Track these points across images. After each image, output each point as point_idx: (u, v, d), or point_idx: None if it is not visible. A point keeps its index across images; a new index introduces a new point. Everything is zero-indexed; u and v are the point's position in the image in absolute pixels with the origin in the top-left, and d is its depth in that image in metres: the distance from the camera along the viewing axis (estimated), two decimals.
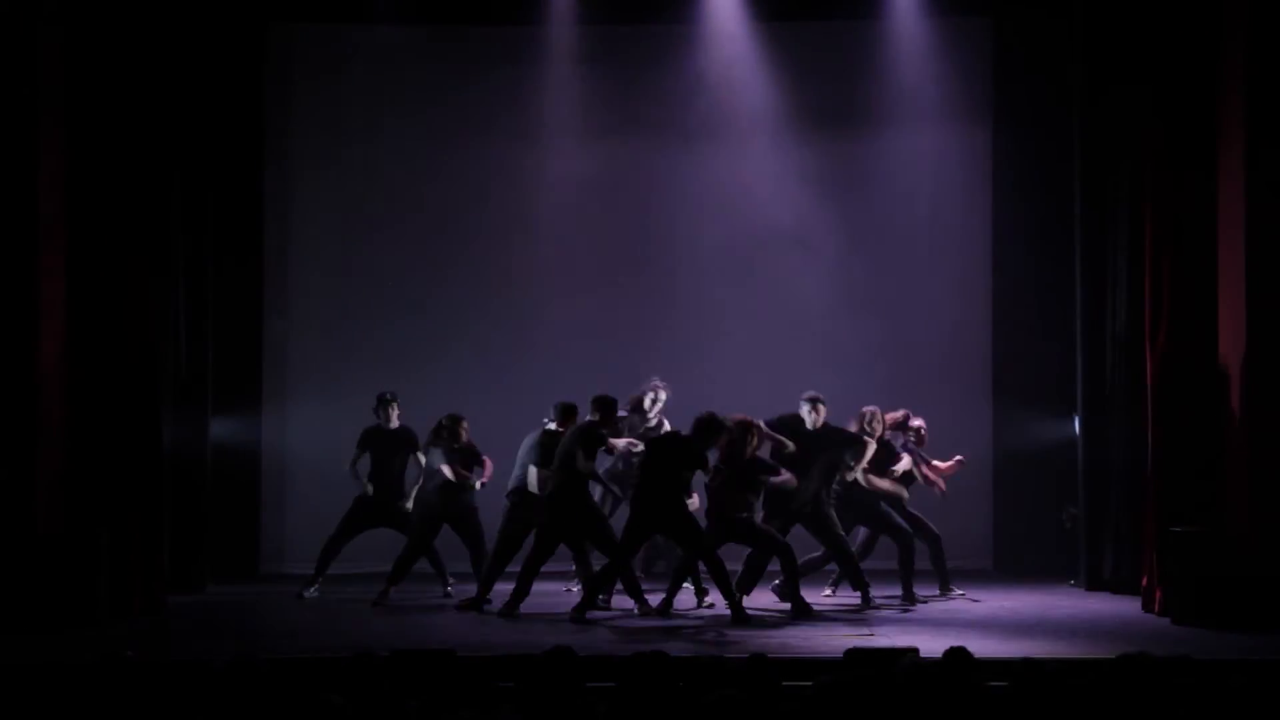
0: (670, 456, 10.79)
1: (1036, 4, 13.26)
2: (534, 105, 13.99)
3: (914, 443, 11.81)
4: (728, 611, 10.73)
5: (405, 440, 12.07)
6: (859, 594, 11.36)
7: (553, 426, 11.36)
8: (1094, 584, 12.25)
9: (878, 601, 11.34)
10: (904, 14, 13.71)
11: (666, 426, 11.83)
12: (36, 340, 10.63)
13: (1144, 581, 11.25)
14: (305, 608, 11.54)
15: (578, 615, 10.62)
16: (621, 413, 11.62)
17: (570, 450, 10.90)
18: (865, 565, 11.63)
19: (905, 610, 11.17)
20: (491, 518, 11.63)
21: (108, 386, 11.08)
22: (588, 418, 11.13)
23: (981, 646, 7.99)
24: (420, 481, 11.92)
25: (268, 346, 13.90)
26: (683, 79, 14.00)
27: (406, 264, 14.12)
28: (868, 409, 11.57)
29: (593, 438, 10.92)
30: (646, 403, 12.01)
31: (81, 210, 11.08)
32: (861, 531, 11.88)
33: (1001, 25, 13.85)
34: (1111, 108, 12.07)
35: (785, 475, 10.99)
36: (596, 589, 10.89)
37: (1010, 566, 13.47)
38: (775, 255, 14.07)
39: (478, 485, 11.77)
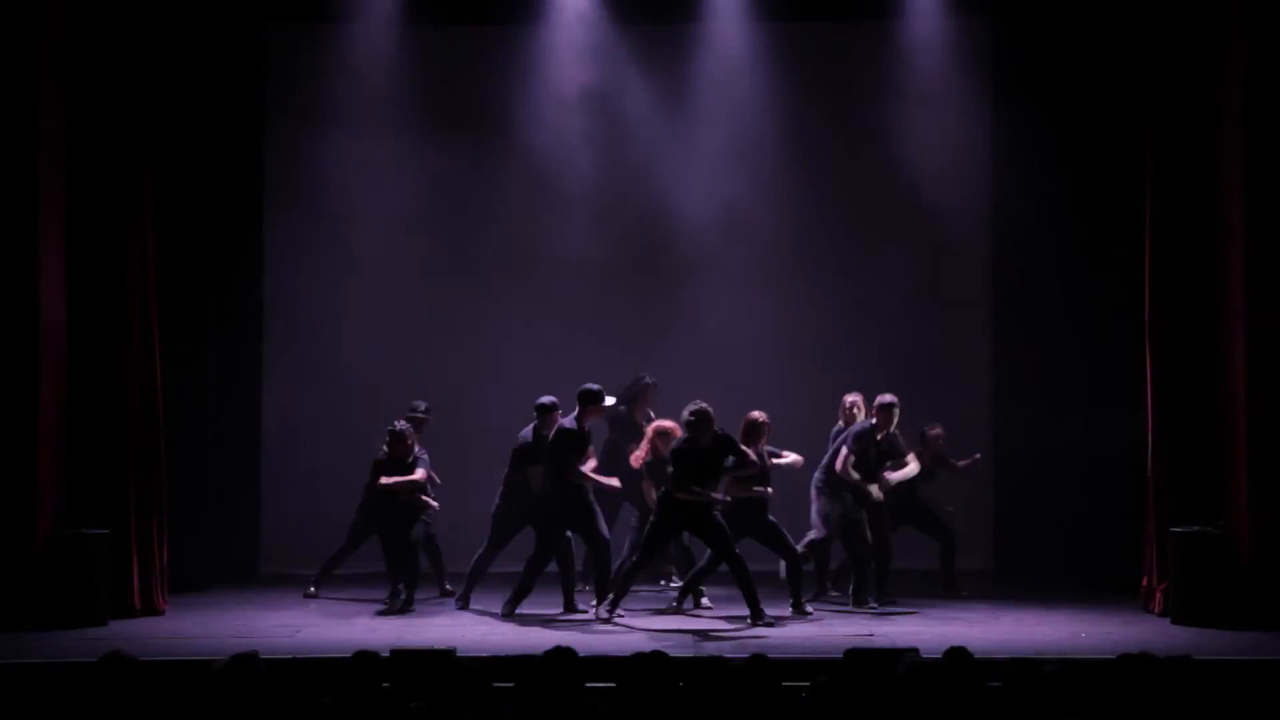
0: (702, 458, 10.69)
1: (1038, 4, 13.24)
2: (534, 105, 13.98)
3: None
4: (729, 612, 10.77)
5: None
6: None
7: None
8: (1094, 584, 12.24)
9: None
10: (905, 15, 13.68)
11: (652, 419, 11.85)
12: (36, 340, 10.64)
13: (1144, 581, 11.25)
14: (305, 608, 11.52)
15: (608, 615, 10.58)
16: (610, 400, 11.54)
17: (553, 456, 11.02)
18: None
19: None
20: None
21: (108, 387, 11.09)
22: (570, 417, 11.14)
23: (981, 646, 7.99)
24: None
25: (268, 347, 13.89)
26: (683, 79, 14.00)
27: (407, 263, 14.11)
28: (848, 398, 11.70)
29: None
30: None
31: (81, 211, 11.09)
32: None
33: (1002, 26, 13.83)
34: (1112, 108, 12.08)
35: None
36: (622, 590, 10.86)
37: (1010, 566, 13.46)
38: (776, 255, 14.06)
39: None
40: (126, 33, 11.24)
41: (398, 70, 13.91)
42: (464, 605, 11.33)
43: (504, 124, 14.03)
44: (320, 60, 13.91)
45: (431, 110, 14.06)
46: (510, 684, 6.22)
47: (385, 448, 11.47)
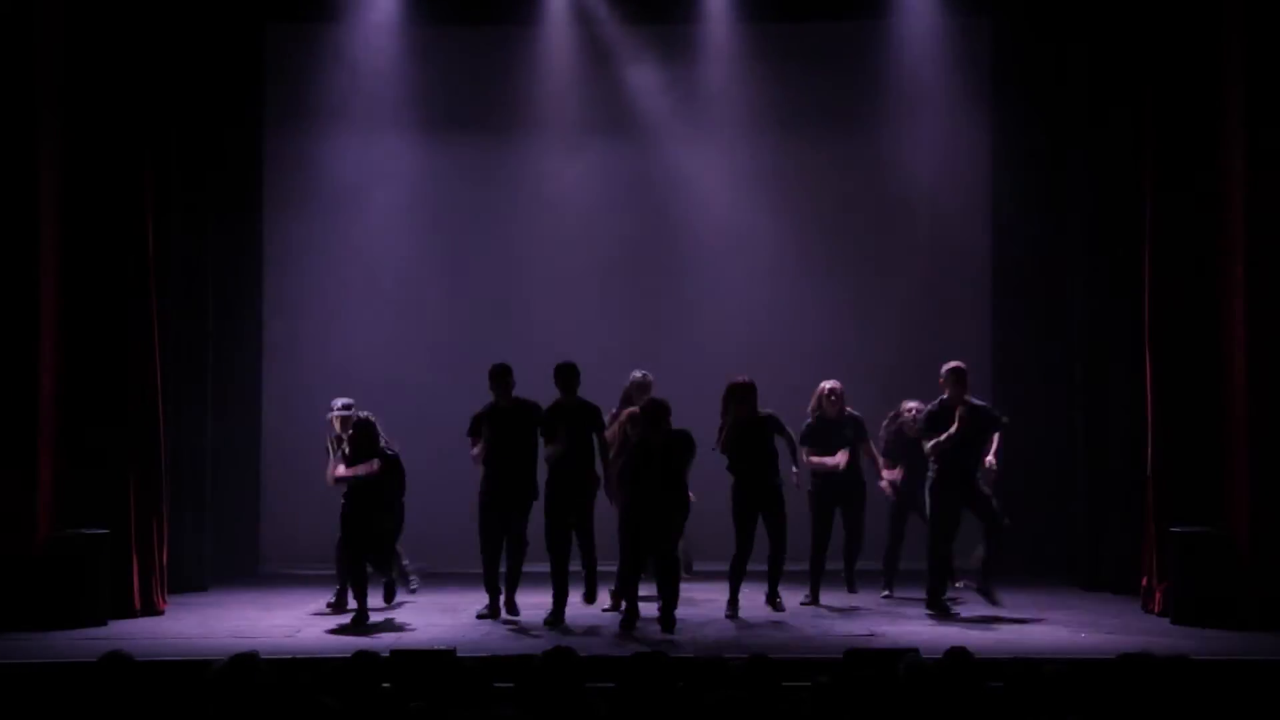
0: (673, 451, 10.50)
1: (1037, 4, 13.25)
2: (533, 104, 13.99)
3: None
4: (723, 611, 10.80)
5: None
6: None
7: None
8: (1094, 584, 12.24)
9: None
10: (903, 14, 13.70)
11: None
12: (36, 340, 10.64)
13: (1144, 581, 11.25)
14: (306, 608, 11.49)
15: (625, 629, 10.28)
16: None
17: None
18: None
19: None
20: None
21: (108, 386, 11.09)
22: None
23: (981, 646, 7.99)
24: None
25: (268, 346, 13.89)
26: (682, 79, 14.02)
27: (406, 262, 14.12)
28: (825, 385, 11.65)
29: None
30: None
31: (80, 210, 11.09)
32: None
33: (1001, 25, 13.84)
34: (1112, 107, 12.08)
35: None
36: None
37: (1011, 566, 13.43)
38: (774, 254, 14.07)
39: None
40: (126, 32, 11.25)
41: (398, 70, 13.94)
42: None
43: (503, 124, 14.05)
44: (320, 60, 13.93)
45: (431, 110, 14.07)
46: (510, 684, 6.22)
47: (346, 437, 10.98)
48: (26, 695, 6.74)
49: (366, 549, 10.69)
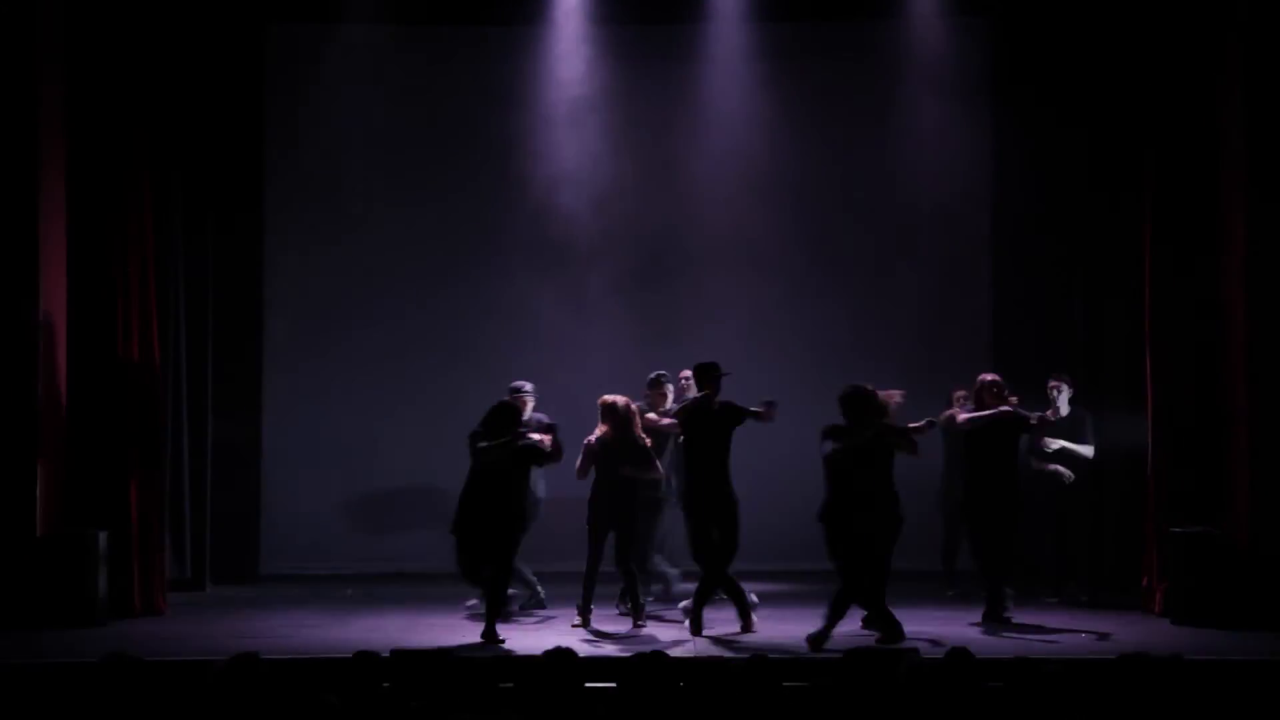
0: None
1: (1037, 3, 13.26)
2: (534, 105, 13.98)
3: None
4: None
5: None
6: None
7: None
8: (1094, 584, 12.23)
9: None
10: (904, 14, 13.71)
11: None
12: (37, 341, 10.64)
13: (1144, 581, 11.26)
14: (306, 608, 11.49)
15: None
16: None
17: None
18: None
19: None
20: None
21: (108, 387, 11.10)
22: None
23: (982, 647, 7.99)
24: None
25: (268, 346, 13.90)
26: (682, 79, 14.03)
27: (407, 264, 14.12)
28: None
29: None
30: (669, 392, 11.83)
31: (82, 211, 11.11)
32: None
33: (1002, 25, 13.85)
34: (1112, 106, 12.09)
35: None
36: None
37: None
38: (774, 252, 14.08)
39: None
40: (127, 33, 11.26)
41: (398, 70, 13.93)
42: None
43: (505, 124, 14.03)
44: (322, 60, 13.93)
45: (433, 111, 14.07)
46: (510, 684, 6.22)
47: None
48: (26, 695, 6.74)
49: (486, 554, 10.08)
